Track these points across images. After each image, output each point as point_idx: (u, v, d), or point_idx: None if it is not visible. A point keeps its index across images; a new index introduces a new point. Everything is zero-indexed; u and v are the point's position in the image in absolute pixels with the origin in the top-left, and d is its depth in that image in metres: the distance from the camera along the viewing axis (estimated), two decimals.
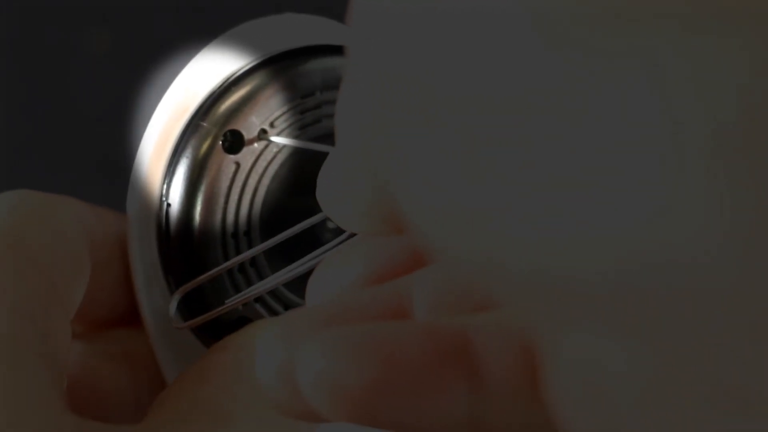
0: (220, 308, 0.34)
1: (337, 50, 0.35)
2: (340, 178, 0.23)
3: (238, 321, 0.34)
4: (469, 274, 0.19)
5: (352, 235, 0.32)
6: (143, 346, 0.34)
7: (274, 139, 0.34)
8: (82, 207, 0.33)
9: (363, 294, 0.23)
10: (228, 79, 0.34)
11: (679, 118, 0.14)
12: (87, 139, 0.70)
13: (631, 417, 0.17)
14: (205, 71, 0.34)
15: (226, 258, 0.34)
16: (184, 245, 0.34)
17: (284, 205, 0.35)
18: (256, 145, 0.34)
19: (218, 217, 0.34)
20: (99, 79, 0.70)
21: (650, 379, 0.16)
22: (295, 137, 0.35)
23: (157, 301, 0.34)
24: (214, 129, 0.34)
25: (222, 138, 0.34)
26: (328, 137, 0.35)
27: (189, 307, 0.34)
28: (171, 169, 0.34)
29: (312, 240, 0.35)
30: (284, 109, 0.34)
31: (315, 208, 0.27)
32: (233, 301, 0.34)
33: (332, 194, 0.24)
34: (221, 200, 0.34)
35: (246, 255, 0.34)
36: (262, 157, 0.34)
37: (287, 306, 0.35)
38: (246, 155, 0.34)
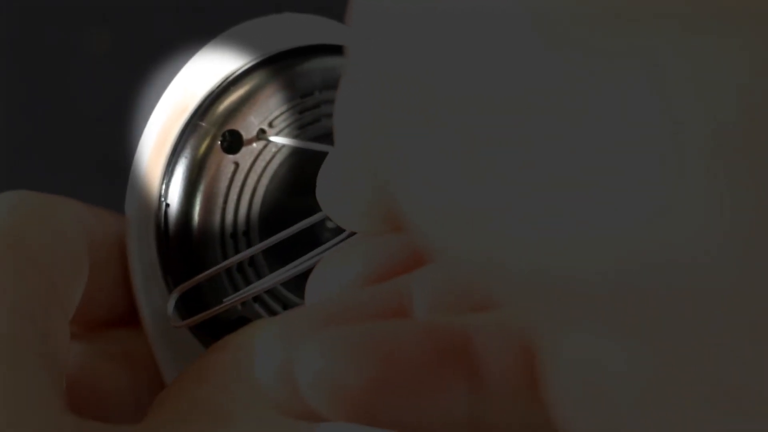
0: (217, 307, 0.34)
1: (336, 50, 0.35)
2: (339, 178, 0.23)
3: (238, 321, 0.34)
4: (469, 274, 0.19)
5: (352, 234, 0.32)
6: (142, 346, 0.34)
7: (272, 138, 0.34)
8: (81, 207, 0.33)
9: (362, 293, 0.23)
10: (227, 78, 0.34)
11: (679, 118, 0.14)
12: (87, 139, 0.70)
13: (631, 417, 0.17)
14: (204, 71, 0.34)
15: (225, 258, 0.34)
16: (183, 245, 0.34)
17: (283, 205, 0.35)
18: (254, 144, 0.34)
19: (217, 217, 0.34)
20: (99, 79, 0.70)
21: (650, 379, 0.16)
22: (294, 137, 0.35)
23: (156, 301, 0.34)
24: (212, 129, 0.34)
25: (221, 138, 0.34)
26: (327, 137, 0.35)
27: (188, 306, 0.34)
28: (170, 169, 0.34)
29: (311, 239, 0.35)
30: (283, 108, 0.34)
31: (314, 208, 0.27)
32: (231, 300, 0.34)
33: (332, 194, 0.24)
34: (220, 200, 0.34)
35: (244, 254, 0.34)
36: (261, 157, 0.34)
37: (286, 306, 0.35)
38: (245, 155, 0.34)
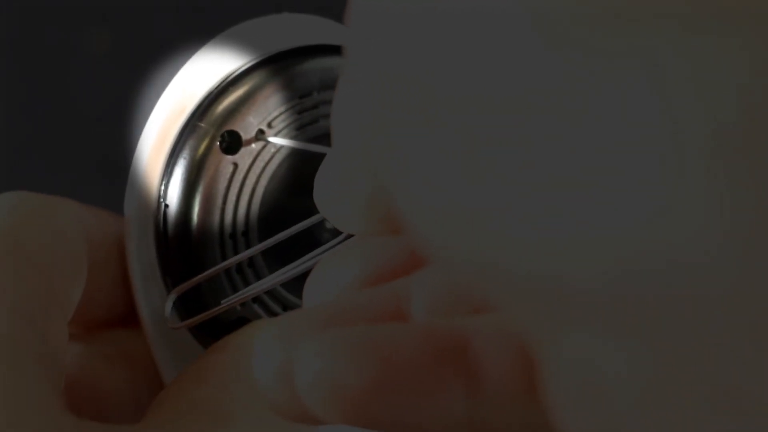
0: (217, 308, 0.34)
1: (334, 50, 0.35)
2: (337, 179, 0.23)
3: (237, 321, 0.34)
4: (468, 275, 0.18)
5: (350, 235, 0.32)
6: (141, 347, 0.34)
7: (271, 139, 0.34)
8: (80, 208, 0.33)
9: (361, 296, 0.23)
10: (225, 79, 0.34)
11: (679, 118, 0.14)
12: (87, 139, 0.70)
13: (631, 417, 0.17)
14: (203, 71, 0.34)
15: (224, 259, 0.34)
16: (181, 246, 0.34)
17: (282, 206, 0.35)
18: (253, 145, 0.34)
19: (216, 217, 0.34)
20: (99, 79, 0.70)
21: (650, 380, 0.16)
22: (293, 137, 0.35)
23: (155, 301, 0.34)
24: (211, 129, 0.34)
25: (219, 138, 0.34)
26: (326, 137, 0.35)
27: (187, 307, 0.34)
28: (169, 170, 0.34)
29: (310, 240, 0.35)
30: (282, 109, 0.34)
31: (313, 209, 0.27)
32: (230, 301, 0.34)
33: (329, 195, 0.24)
34: (219, 201, 0.34)
35: (243, 255, 0.34)
36: (260, 158, 0.34)
37: (286, 306, 0.35)
38: (244, 156, 0.34)
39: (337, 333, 0.20)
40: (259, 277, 0.35)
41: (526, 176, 0.15)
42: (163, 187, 0.34)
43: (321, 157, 0.25)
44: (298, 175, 0.35)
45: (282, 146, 0.34)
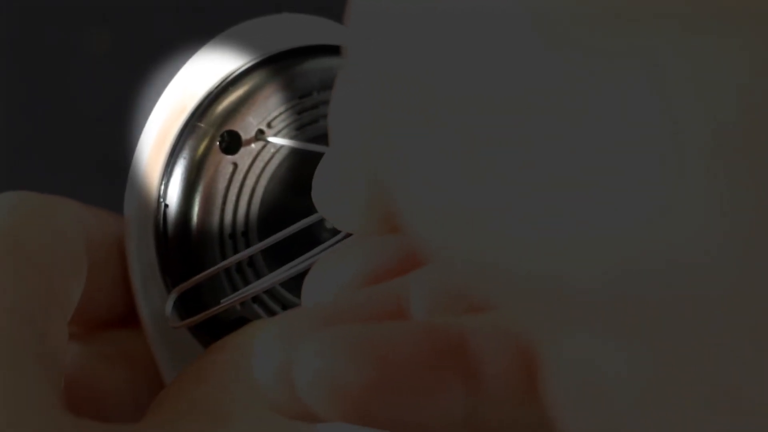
0: (216, 307, 0.34)
1: (334, 50, 0.35)
2: (336, 178, 0.23)
3: (237, 321, 0.34)
4: (468, 275, 0.18)
5: (349, 234, 0.32)
6: (141, 347, 0.34)
7: (271, 139, 0.34)
8: (80, 208, 0.33)
9: (359, 295, 0.23)
10: (225, 79, 0.34)
11: (679, 118, 0.14)
12: (87, 139, 0.70)
13: (631, 417, 0.17)
14: (202, 71, 0.34)
15: (224, 258, 0.34)
16: (181, 246, 0.34)
17: (282, 206, 0.35)
18: (253, 145, 0.34)
19: (216, 217, 0.34)
20: (99, 79, 0.70)
21: (650, 380, 0.16)
22: (293, 137, 0.35)
23: (154, 301, 0.34)
24: (211, 129, 0.34)
25: (219, 138, 0.34)
26: (326, 137, 0.35)
27: (186, 307, 0.34)
28: (168, 170, 0.34)
29: (309, 239, 0.35)
30: (281, 109, 0.34)
31: (312, 208, 0.27)
32: (229, 301, 0.34)
33: (328, 194, 0.24)
34: (219, 201, 0.34)
35: (243, 254, 0.34)
36: (260, 158, 0.34)
37: (285, 306, 0.35)
38: (243, 156, 0.34)
39: (337, 332, 0.20)
40: (258, 277, 0.35)
41: (526, 176, 0.15)
42: (162, 187, 0.34)
43: (321, 157, 0.25)
44: (297, 175, 0.35)
45: (282, 146, 0.34)
